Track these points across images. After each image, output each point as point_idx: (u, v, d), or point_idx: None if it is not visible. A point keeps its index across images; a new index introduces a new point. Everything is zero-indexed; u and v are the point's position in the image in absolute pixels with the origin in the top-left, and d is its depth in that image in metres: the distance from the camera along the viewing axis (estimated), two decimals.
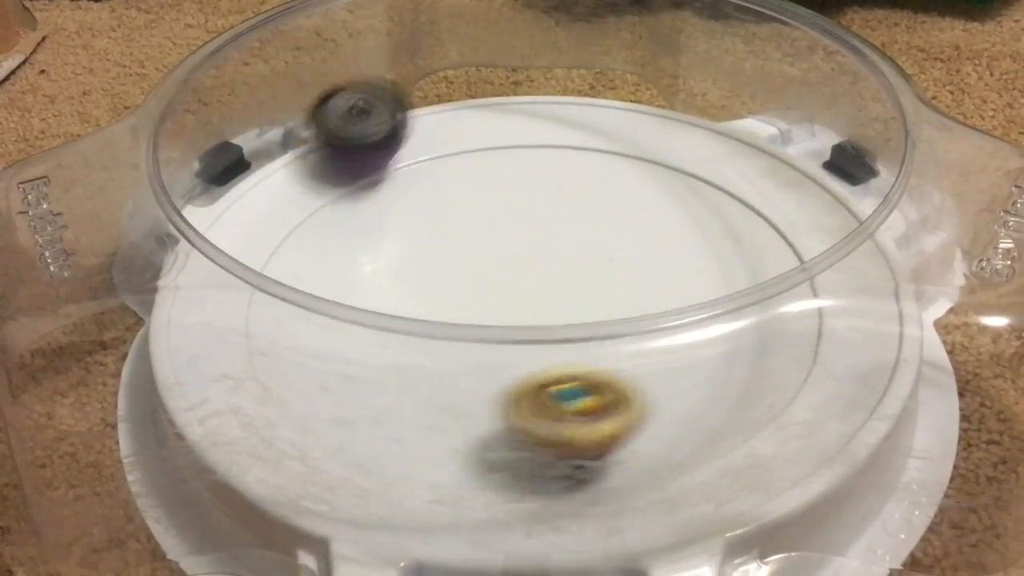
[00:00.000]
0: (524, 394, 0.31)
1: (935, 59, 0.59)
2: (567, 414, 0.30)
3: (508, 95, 0.57)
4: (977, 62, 0.58)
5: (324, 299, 0.31)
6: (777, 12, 0.45)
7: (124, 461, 0.36)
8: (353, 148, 0.44)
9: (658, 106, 0.52)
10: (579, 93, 0.57)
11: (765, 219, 0.42)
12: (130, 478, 0.35)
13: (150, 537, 0.34)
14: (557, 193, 0.45)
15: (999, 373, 0.40)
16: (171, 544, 0.34)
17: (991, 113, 0.55)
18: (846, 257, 0.33)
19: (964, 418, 0.38)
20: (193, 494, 0.34)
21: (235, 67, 0.47)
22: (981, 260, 0.36)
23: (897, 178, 0.35)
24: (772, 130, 0.47)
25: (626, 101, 0.54)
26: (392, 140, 0.44)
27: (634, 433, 0.30)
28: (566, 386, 0.31)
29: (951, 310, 0.38)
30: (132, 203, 0.39)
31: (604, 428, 0.30)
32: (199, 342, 0.36)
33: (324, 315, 0.31)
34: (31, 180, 0.37)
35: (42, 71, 0.61)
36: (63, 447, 0.38)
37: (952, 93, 0.56)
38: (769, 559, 0.31)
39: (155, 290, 0.38)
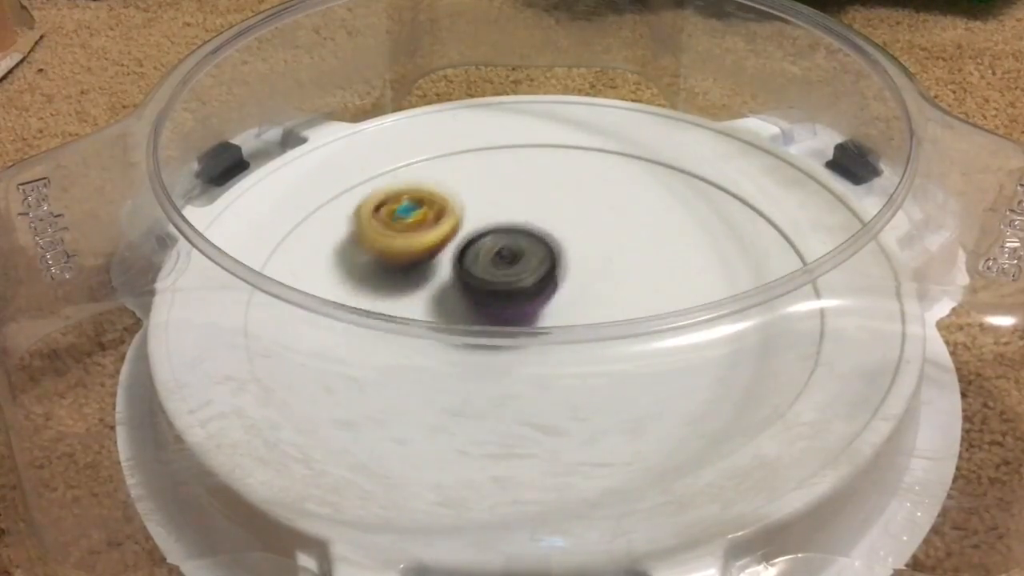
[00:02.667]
0: (368, 213, 0.39)
1: (937, 58, 0.59)
2: (403, 227, 0.39)
3: (508, 94, 0.56)
4: (979, 61, 0.58)
5: (324, 299, 0.31)
6: (779, 10, 0.45)
7: (123, 464, 0.36)
8: (501, 295, 0.38)
9: (659, 105, 0.52)
10: (579, 92, 0.57)
11: (767, 219, 0.42)
12: (130, 481, 0.35)
13: (148, 538, 0.34)
14: (557, 193, 0.45)
15: (1002, 373, 0.40)
16: (171, 548, 0.33)
17: (993, 112, 0.55)
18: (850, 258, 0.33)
19: (967, 419, 0.38)
20: (193, 497, 0.34)
21: (234, 66, 0.46)
22: (987, 259, 0.36)
23: (902, 178, 0.35)
24: (774, 129, 0.47)
25: (627, 100, 0.54)
26: (544, 288, 0.38)
27: (453, 237, 0.39)
28: (401, 204, 0.40)
29: (954, 310, 0.38)
30: (131, 203, 0.39)
31: (429, 237, 0.39)
32: (199, 343, 0.36)
33: (324, 315, 0.31)
34: (31, 181, 0.37)
35: (40, 70, 0.61)
36: (61, 448, 0.38)
37: (954, 92, 0.56)
38: (774, 561, 0.31)
39: (154, 291, 0.38)
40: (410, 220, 0.39)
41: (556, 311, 0.39)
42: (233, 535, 0.33)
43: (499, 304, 0.38)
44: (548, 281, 0.38)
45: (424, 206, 0.40)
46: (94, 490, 0.36)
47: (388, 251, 0.39)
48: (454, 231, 0.39)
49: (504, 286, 0.37)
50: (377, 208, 0.40)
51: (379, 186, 0.41)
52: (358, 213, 0.40)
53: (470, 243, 0.38)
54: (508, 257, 0.38)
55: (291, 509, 0.31)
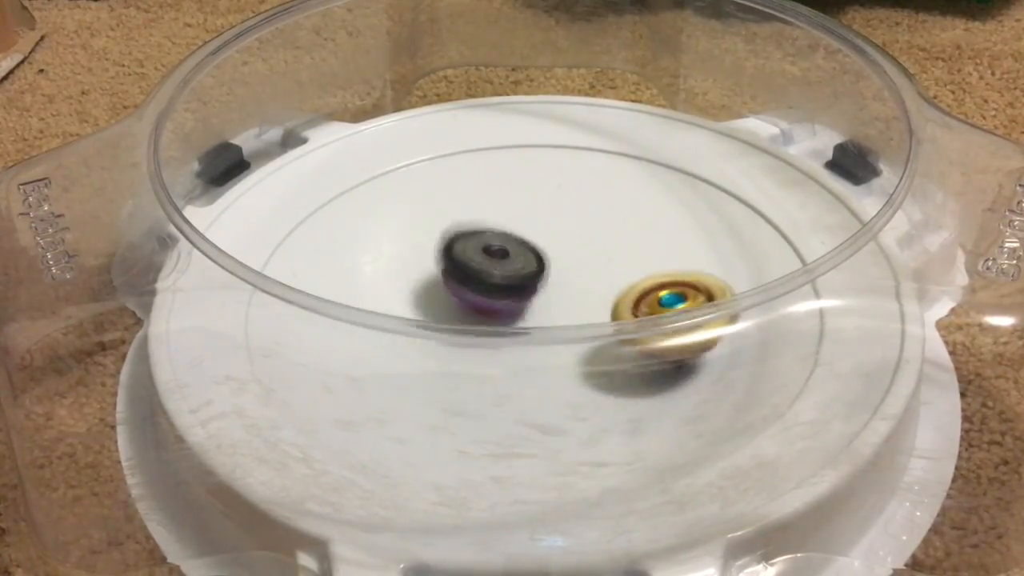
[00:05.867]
0: (626, 305, 0.35)
1: (936, 58, 0.59)
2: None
3: (508, 95, 0.57)
4: (978, 61, 0.58)
5: (325, 299, 0.31)
6: (778, 11, 0.45)
7: (124, 464, 0.36)
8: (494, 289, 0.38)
9: (659, 105, 0.52)
10: (579, 93, 0.57)
11: (766, 219, 0.42)
12: (130, 481, 0.35)
13: (148, 538, 0.34)
14: (557, 193, 0.45)
15: (1001, 373, 0.40)
16: (171, 547, 0.34)
17: (992, 112, 0.55)
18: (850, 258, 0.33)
19: (966, 418, 0.38)
20: (194, 497, 0.34)
21: (234, 67, 0.46)
22: (987, 259, 0.36)
23: (901, 178, 0.35)
24: (773, 130, 0.47)
25: (626, 101, 0.54)
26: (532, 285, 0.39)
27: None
28: (664, 292, 0.35)
29: (953, 310, 0.38)
30: (132, 203, 0.39)
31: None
32: (200, 343, 0.36)
33: (325, 315, 0.31)
34: (32, 181, 0.37)
35: (41, 70, 0.61)
36: (62, 447, 0.38)
37: (953, 92, 0.56)
38: (773, 560, 0.31)
39: (154, 292, 0.38)
40: (682, 308, 0.35)
41: (556, 311, 0.39)
42: (233, 534, 0.33)
43: (491, 296, 0.38)
44: (537, 278, 0.39)
45: (689, 295, 0.36)
46: (95, 489, 0.36)
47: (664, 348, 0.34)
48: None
49: (501, 279, 0.38)
50: (637, 303, 0.36)
51: (632, 282, 0.36)
52: (616, 313, 0.35)
53: (455, 240, 0.39)
54: (498, 253, 0.38)
55: (291, 509, 0.31)
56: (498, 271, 0.38)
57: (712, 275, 0.36)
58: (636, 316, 0.35)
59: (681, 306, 0.35)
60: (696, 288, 0.36)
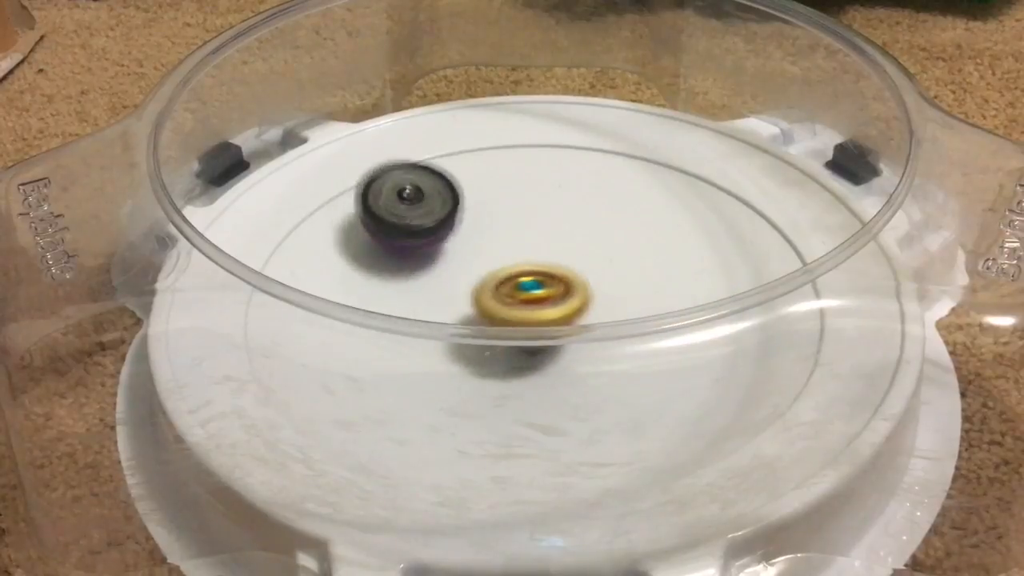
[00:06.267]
0: (490, 286, 0.36)
1: (937, 58, 0.59)
2: (523, 301, 0.35)
3: (508, 94, 0.56)
4: (979, 61, 0.58)
5: (324, 299, 0.31)
6: (779, 11, 0.45)
7: (123, 464, 0.36)
8: (405, 234, 0.41)
9: (659, 105, 0.52)
10: (579, 92, 0.57)
11: (767, 219, 0.42)
12: (130, 481, 0.35)
13: (148, 538, 0.34)
14: (557, 193, 0.45)
15: (1001, 373, 0.40)
16: (171, 547, 0.33)
17: (993, 112, 0.55)
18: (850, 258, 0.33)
19: (966, 418, 0.38)
20: (194, 497, 0.34)
21: (234, 67, 0.46)
22: (987, 259, 0.36)
23: (902, 178, 0.35)
24: (774, 129, 0.47)
25: (627, 100, 0.54)
26: (444, 227, 0.41)
27: (578, 318, 0.35)
28: (527, 279, 0.36)
29: (954, 310, 0.38)
30: (132, 203, 0.39)
31: (552, 313, 0.35)
32: (199, 343, 0.36)
33: (325, 315, 0.31)
34: (31, 181, 0.37)
35: (40, 70, 0.61)
36: (62, 448, 0.38)
37: (954, 92, 0.56)
38: (774, 560, 0.31)
39: (154, 291, 0.38)
40: (539, 293, 0.36)
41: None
42: (233, 535, 0.33)
43: (401, 239, 0.41)
44: (448, 222, 0.41)
45: (547, 284, 0.36)
46: (94, 490, 0.36)
47: (520, 322, 0.35)
48: (585, 306, 0.35)
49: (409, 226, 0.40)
50: (496, 288, 0.36)
51: (491, 269, 0.37)
52: (477, 296, 0.36)
53: (373, 180, 0.41)
54: (411, 197, 0.41)
55: (291, 509, 0.31)
56: (412, 217, 0.40)
57: (572, 270, 0.37)
58: (498, 298, 0.36)
59: (539, 291, 0.36)
60: (553, 277, 0.36)
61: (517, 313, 0.35)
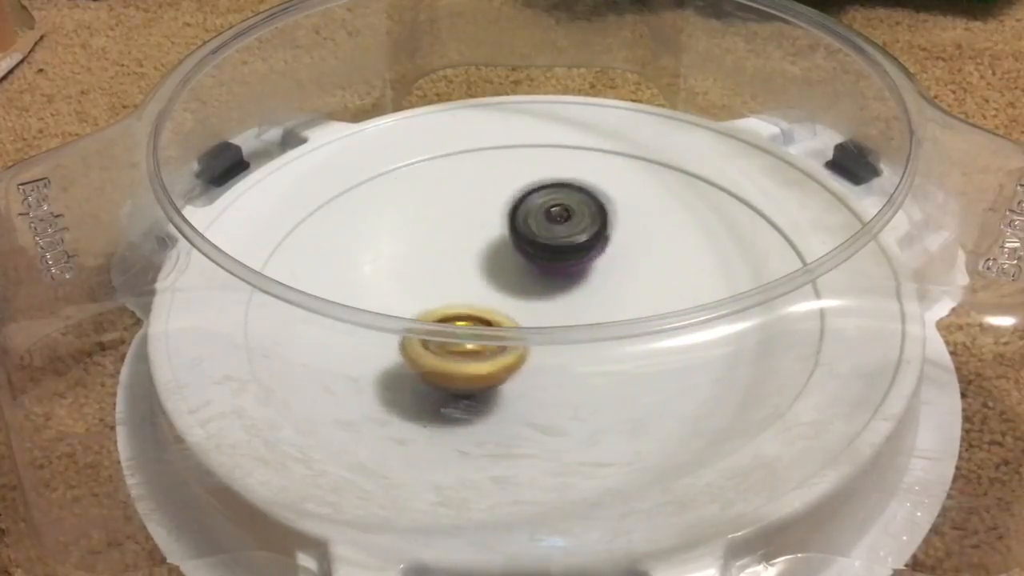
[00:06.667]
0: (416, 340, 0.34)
1: (937, 58, 0.59)
2: (451, 352, 0.33)
3: (508, 94, 0.56)
4: (979, 61, 0.58)
5: (324, 299, 0.31)
6: (779, 10, 0.45)
7: (123, 464, 0.36)
8: (555, 252, 0.40)
9: (659, 105, 0.52)
10: (579, 92, 0.57)
11: (767, 219, 0.42)
12: (130, 481, 0.35)
13: (148, 538, 0.34)
14: None
15: (1002, 373, 0.40)
16: (171, 548, 0.33)
17: (993, 112, 0.55)
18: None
19: (967, 419, 0.38)
20: (193, 497, 0.34)
21: (234, 67, 0.46)
22: (987, 259, 0.36)
23: (902, 178, 0.35)
24: (774, 129, 0.47)
25: (627, 100, 0.54)
26: (596, 244, 0.40)
27: (508, 376, 0.34)
28: (459, 325, 0.35)
29: (954, 310, 0.38)
30: (131, 203, 0.39)
31: (480, 368, 0.34)
32: (199, 343, 0.36)
33: (325, 315, 0.31)
34: (31, 181, 0.37)
35: (40, 70, 0.61)
36: (62, 448, 0.38)
37: (954, 92, 0.56)
38: (774, 561, 0.31)
39: (154, 292, 0.38)
40: (469, 346, 0.34)
41: (557, 310, 0.39)
42: (233, 535, 0.33)
43: (553, 260, 0.40)
44: (600, 237, 0.40)
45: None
46: (94, 490, 0.36)
47: (448, 375, 0.34)
48: (519, 363, 0.34)
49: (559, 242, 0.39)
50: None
51: (427, 309, 0.36)
52: (406, 344, 0.34)
53: (520, 201, 0.40)
54: (559, 215, 0.40)
55: (291, 509, 0.31)
56: (559, 236, 0.39)
57: (503, 314, 0.36)
58: (427, 349, 0.34)
59: (471, 345, 0.34)
60: (488, 323, 0.35)
61: (443, 364, 0.34)
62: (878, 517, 0.34)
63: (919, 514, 0.34)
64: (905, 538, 0.34)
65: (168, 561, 0.33)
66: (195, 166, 0.46)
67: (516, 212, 0.40)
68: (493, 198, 0.41)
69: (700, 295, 0.34)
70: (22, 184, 0.37)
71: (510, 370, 0.34)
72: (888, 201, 0.34)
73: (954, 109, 0.55)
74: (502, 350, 0.34)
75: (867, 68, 0.41)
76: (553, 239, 0.39)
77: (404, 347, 0.34)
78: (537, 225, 0.40)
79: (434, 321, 0.35)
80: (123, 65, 0.61)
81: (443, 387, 0.35)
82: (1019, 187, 0.36)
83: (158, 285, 0.38)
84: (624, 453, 0.33)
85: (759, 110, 0.49)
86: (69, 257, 0.37)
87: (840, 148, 0.45)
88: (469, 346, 0.34)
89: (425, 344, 0.34)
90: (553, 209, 0.40)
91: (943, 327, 0.40)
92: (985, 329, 0.41)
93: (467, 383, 0.34)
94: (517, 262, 0.41)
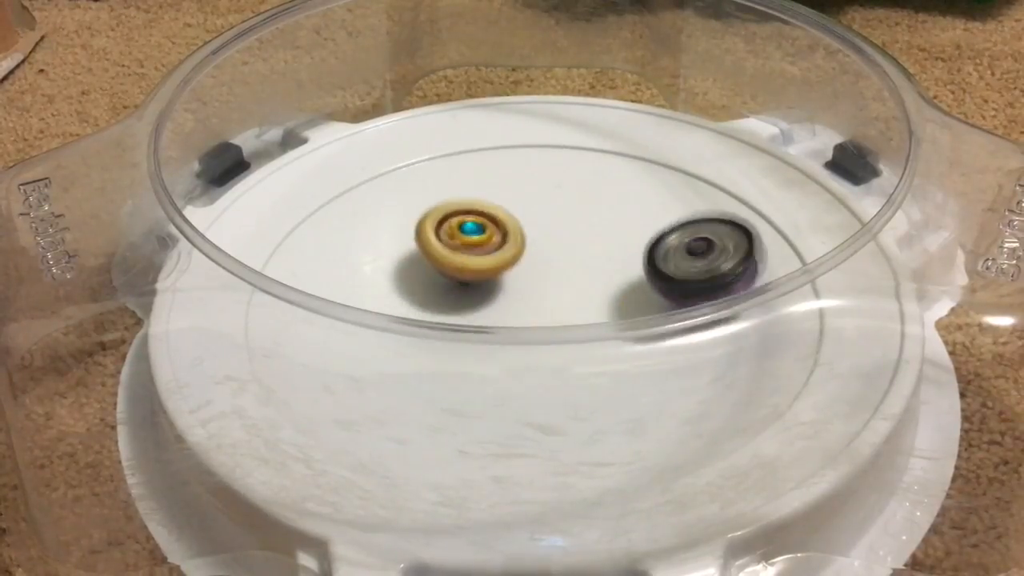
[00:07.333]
0: (433, 219, 0.39)
1: (936, 58, 0.59)
2: (462, 243, 0.39)
3: (508, 95, 0.56)
4: (978, 61, 0.58)
5: (325, 299, 0.31)
6: (778, 11, 0.45)
7: (124, 464, 0.36)
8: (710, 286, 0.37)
9: (659, 106, 0.52)
10: (579, 93, 0.57)
11: (766, 219, 0.42)
12: (130, 481, 0.35)
13: (149, 538, 0.34)
14: (557, 193, 0.45)
15: (1001, 373, 0.40)
16: (172, 547, 0.34)
17: (992, 112, 0.55)
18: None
19: (966, 418, 0.38)
20: (194, 496, 0.34)
21: (234, 67, 0.46)
22: (986, 259, 0.36)
23: (901, 179, 0.35)
24: (773, 130, 0.47)
25: (626, 101, 0.54)
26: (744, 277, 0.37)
27: (509, 267, 0.39)
28: (469, 220, 0.39)
29: (953, 310, 0.38)
30: (132, 203, 0.39)
31: (485, 261, 0.39)
32: (200, 343, 0.36)
33: (325, 315, 0.31)
34: (32, 181, 0.37)
35: (41, 70, 0.61)
36: (62, 447, 0.38)
37: (953, 92, 0.56)
38: (773, 560, 0.31)
39: (154, 292, 0.38)
40: (476, 239, 0.39)
41: (557, 310, 0.39)
42: (233, 534, 0.33)
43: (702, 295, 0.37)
44: (740, 267, 0.37)
45: (486, 228, 0.39)
46: (95, 490, 0.36)
47: (459, 267, 0.39)
48: (518, 255, 0.39)
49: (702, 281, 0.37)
50: (440, 223, 0.39)
51: (443, 201, 0.40)
52: (420, 228, 0.39)
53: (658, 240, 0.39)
54: (699, 249, 0.38)
55: (291, 509, 0.31)
56: (696, 271, 0.37)
57: (511, 215, 0.40)
58: (438, 238, 0.39)
59: (477, 237, 0.39)
60: (495, 222, 0.39)
61: (452, 257, 0.38)
62: (877, 517, 0.34)
63: (918, 514, 0.34)
64: (904, 538, 0.34)
65: (169, 560, 0.33)
66: (196, 166, 0.46)
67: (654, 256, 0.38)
68: (493, 198, 0.41)
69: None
70: (23, 184, 0.37)
71: (510, 264, 0.39)
72: (887, 201, 0.34)
73: (953, 109, 0.55)
74: (503, 243, 0.39)
75: (866, 68, 0.41)
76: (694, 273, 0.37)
77: (419, 231, 0.39)
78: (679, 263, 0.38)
79: (445, 213, 0.39)
80: (124, 65, 0.61)
81: (452, 276, 0.39)
82: (1018, 187, 0.36)
83: (159, 285, 0.38)
84: (624, 453, 0.33)
85: (758, 110, 0.49)
86: (70, 257, 0.37)
87: (839, 148, 0.45)
88: (474, 238, 0.39)
89: (437, 235, 0.39)
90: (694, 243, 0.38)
91: (942, 327, 0.40)
92: (984, 329, 0.41)
93: (474, 275, 0.39)
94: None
